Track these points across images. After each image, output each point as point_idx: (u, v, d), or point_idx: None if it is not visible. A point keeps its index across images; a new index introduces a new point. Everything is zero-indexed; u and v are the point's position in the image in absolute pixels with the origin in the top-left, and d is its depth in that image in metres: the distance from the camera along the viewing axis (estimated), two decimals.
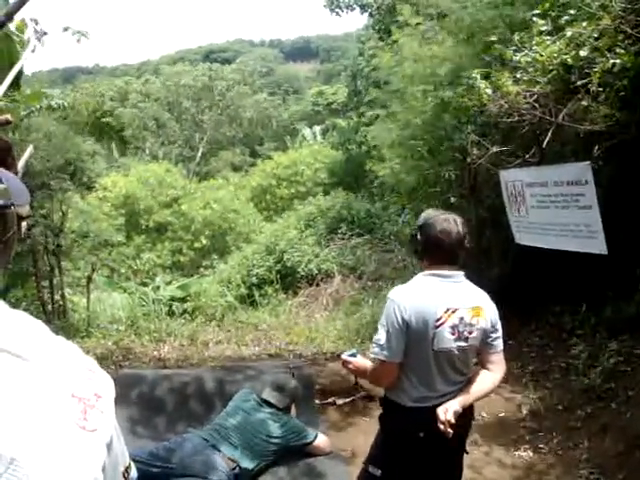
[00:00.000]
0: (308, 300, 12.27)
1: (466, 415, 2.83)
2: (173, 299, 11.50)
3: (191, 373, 5.58)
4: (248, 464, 4.17)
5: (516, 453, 4.77)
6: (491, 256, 7.77)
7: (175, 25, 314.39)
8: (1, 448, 0.82)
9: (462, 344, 2.73)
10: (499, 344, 2.87)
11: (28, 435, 0.84)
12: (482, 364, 2.89)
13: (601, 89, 4.84)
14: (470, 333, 2.74)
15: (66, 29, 6.59)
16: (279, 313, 11.19)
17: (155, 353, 7.97)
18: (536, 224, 6.33)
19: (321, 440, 4.61)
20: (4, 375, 0.85)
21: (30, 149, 8.04)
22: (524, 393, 5.57)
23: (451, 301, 2.71)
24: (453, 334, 2.70)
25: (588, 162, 5.32)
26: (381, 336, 2.73)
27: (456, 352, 2.73)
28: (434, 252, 2.81)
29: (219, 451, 4.10)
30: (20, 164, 7.48)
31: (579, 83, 5.04)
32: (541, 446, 4.82)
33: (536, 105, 5.61)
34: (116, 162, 20.92)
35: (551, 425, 5.05)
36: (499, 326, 2.88)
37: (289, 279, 12.96)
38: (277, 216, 18.78)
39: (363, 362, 2.92)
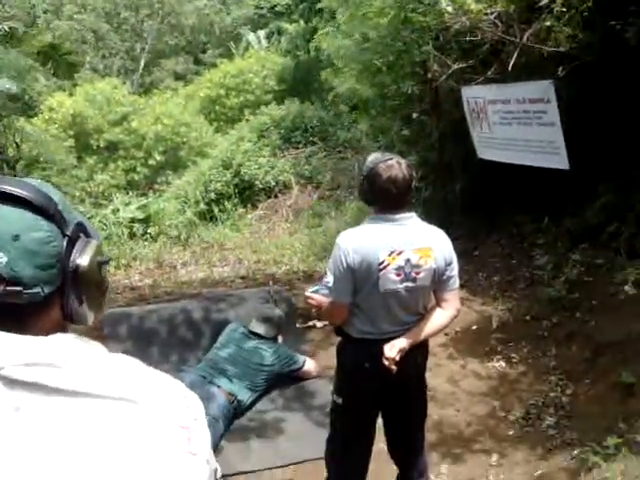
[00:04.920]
0: (268, 213, 12.34)
1: (420, 352, 2.98)
2: (133, 220, 11.37)
3: (177, 306, 5.70)
4: (244, 396, 4.39)
5: (489, 364, 5.08)
6: (454, 170, 7.95)
7: None
8: None
9: (409, 285, 2.79)
10: (453, 282, 2.93)
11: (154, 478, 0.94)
12: (437, 302, 2.97)
13: (565, 10, 4.89)
14: (417, 274, 2.79)
15: None
16: (240, 227, 11.28)
17: (126, 281, 8.03)
18: (498, 140, 6.49)
19: (309, 365, 4.86)
20: (126, 422, 0.93)
21: None
22: (493, 305, 5.85)
23: (395, 244, 2.76)
24: (399, 275, 2.77)
25: (550, 80, 5.44)
26: (329, 279, 2.85)
27: (404, 292, 2.80)
28: (382, 200, 2.83)
29: (217, 386, 4.30)
30: None
31: (542, 3, 5.08)
32: (512, 355, 5.14)
33: (497, 23, 5.65)
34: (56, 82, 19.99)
35: (520, 335, 5.35)
36: (454, 264, 2.91)
37: (247, 193, 12.91)
38: (227, 127, 18.44)
39: (324, 299, 2.96)
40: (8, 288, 0.94)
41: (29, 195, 0.98)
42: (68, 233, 1.02)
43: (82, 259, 1.02)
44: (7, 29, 9.37)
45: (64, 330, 1.03)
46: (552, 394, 4.56)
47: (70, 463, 0.90)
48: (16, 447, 0.89)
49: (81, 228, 1.07)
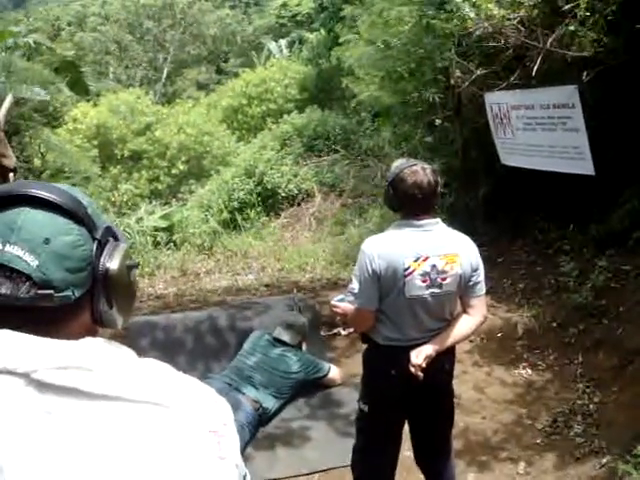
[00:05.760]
0: (291, 221, 12.35)
1: (447, 358, 2.98)
2: (157, 229, 11.45)
3: (202, 314, 5.72)
4: (269, 403, 4.40)
5: (516, 371, 5.04)
6: (477, 176, 7.91)
7: None
8: None
9: (435, 291, 2.78)
10: (480, 288, 2.92)
11: None
12: (463, 308, 2.97)
13: (589, 14, 4.86)
14: (444, 280, 2.78)
15: None
16: (264, 236, 11.30)
17: (151, 290, 8.06)
18: (522, 146, 6.46)
19: (334, 372, 4.87)
20: (156, 426, 0.94)
21: (10, 98, 7.90)
22: (519, 312, 5.78)
23: (421, 249, 2.75)
24: (424, 281, 2.76)
25: (575, 86, 5.41)
26: (355, 285, 2.85)
27: (429, 299, 2.79)
28: (407, 206, 2.83)
29: (242, 393, 4.31)
30: (1, 114, 7.34)
31: (566, 8, 5.06)
32: (539, 363, 5.10)
33: (521, 28, 5.63)
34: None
35: (546, 342, 5.30)
36: (481, 270, 2.91)
37: (270, 201, 12.94)
38: (250, 136, 18.56)
39: (350, 307, 2.96)
40: (39, 292, 0.95)
41: (59, 199, 0.99)
42: (97, 237, 1.03)
43: (112, 262, 1.03)
44: (32, 43, 9.48)
45: (94, 334, 1.04)
46: (579, 402, 4.51)
47: (101, 466, 0.91)
48: (48, 451, 0.90)
49: (110, 232, 1.08)
